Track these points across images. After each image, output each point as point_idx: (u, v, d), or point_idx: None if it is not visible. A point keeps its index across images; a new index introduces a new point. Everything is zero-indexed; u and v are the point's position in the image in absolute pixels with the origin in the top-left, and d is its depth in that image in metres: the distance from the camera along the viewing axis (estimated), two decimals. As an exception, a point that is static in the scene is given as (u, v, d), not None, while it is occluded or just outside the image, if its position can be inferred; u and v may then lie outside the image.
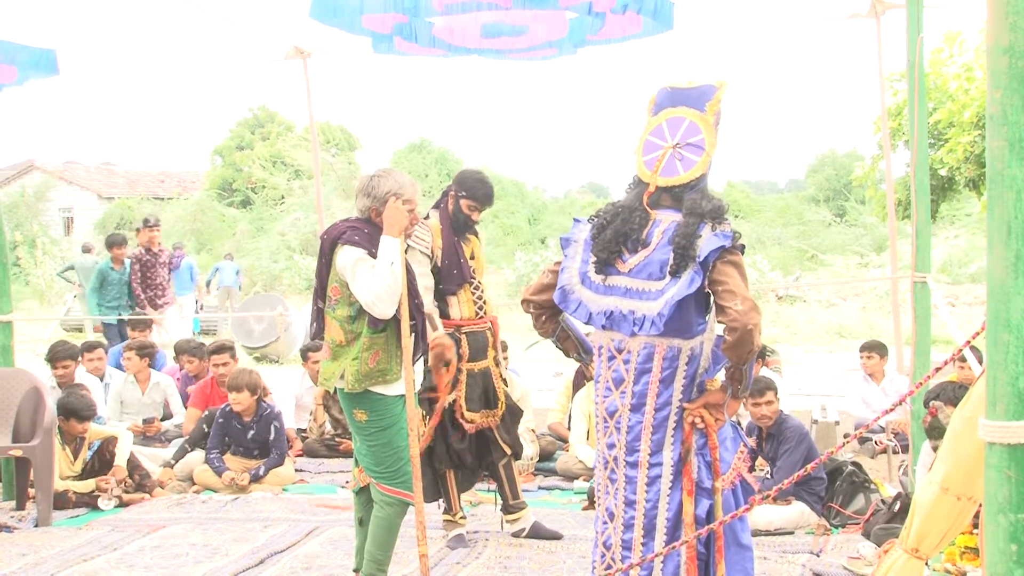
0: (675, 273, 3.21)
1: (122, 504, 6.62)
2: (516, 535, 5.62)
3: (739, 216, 38.28)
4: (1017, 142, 1.99)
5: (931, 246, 6.16)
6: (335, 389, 4.44)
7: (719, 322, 3.26)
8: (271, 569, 5.22)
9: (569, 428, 7.55)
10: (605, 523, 3.44)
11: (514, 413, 5.63)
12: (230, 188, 37.95)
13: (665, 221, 3.31)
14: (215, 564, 5.31)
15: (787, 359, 12.11)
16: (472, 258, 5.45)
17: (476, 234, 5.55)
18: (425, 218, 5.43)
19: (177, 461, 7.29)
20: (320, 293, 4.50)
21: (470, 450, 5.44)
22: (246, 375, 7.26)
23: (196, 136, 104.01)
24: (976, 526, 3.28)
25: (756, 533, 5.50)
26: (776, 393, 6.04)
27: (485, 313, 5.45)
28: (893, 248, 8.47)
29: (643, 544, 3.30)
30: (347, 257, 4.27)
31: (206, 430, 7.39)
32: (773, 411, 5.98)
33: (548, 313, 3.66)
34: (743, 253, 3.33)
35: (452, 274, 5.31)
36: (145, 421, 8.02)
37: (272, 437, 7.30)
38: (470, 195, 5.39)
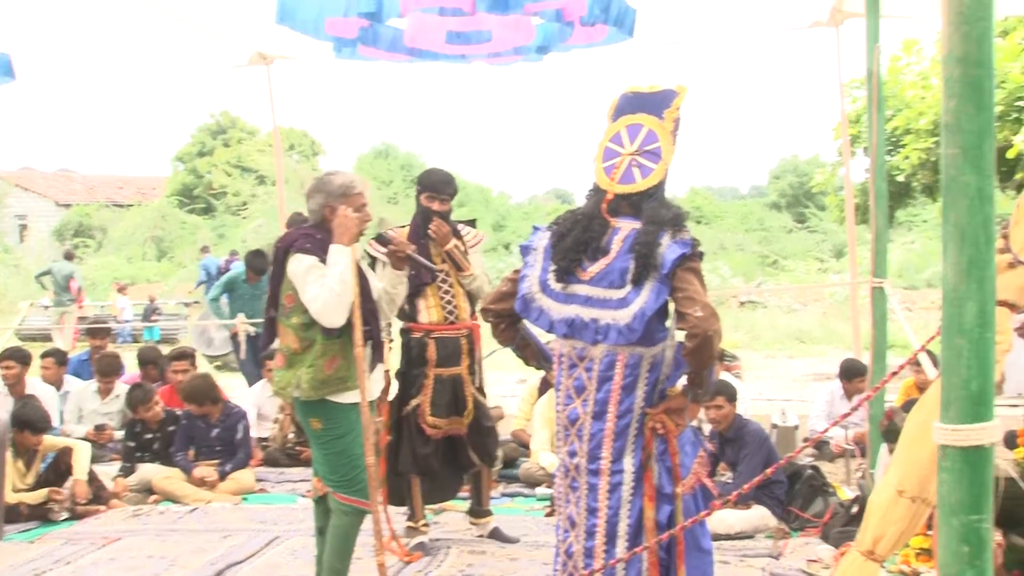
0: (636, 282, 3.20)
1: (76, 516, 6.53)
2: (479, 536, 5.71)
3: (702, 222, 38.56)
4: (971, 150, 2.01)
5: (888, 251, 6.22)
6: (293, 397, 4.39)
7: (679, 328, 3.26)
8: (230, 580, 5.18)
9: (531, 435, 7.55)
10: (567, 531, 3.43)
11: (484, 423, 5.60)
12: (191, 195, 37.66)
13: (624, 229, 3.30)
14: None
15: (748, 364, 12.21)
16: (444, 262, 5.43)
17: (459, 235, 5.51)
18: (402, 226, 5.50)
19: (126, 476, 7.22)
20: (273, 301, 4.44)
21: (436, 456, 5.43)
22: (200, 388, 7.25)
23: (156, 142, 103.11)
24: (930, 528, 3.32)
25: (716, 537, 5.52)
26: (729, 399, 6.08)
27: (457, 319, 5.43)
28: (852, 254, 8.57)
29: (605, 551, 3.30)
30: (298, 265, 4.23)
31: (132, 446, 7.38)
32: (723, 415, 6.03)
33: (507, 322, 3.65)
34: (702, 260, 3.33)
35: (411, 275, 5.30)
36: (98, 427, 7.92)
37: (239, 437, 7.29)
38: (423, 186, 5.44)
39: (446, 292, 5.40)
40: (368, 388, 4.33)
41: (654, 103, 3.36)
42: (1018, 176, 10.13)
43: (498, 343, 3.83)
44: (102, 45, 7.65)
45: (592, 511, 3.34)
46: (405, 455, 5.39)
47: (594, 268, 3.30)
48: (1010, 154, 9.50)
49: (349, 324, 4.26)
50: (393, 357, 5.41)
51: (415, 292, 5.31)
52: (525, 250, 3.50)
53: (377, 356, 4.52)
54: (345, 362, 4.29)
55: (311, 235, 4.33)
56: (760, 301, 22.88)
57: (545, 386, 7.73)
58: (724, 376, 7.28)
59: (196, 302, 22.44)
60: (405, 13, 5.81)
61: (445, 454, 5.50)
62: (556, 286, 3.35)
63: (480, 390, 5.55)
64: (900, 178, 11.66)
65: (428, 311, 5.36)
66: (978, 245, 2.01)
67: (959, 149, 2.02)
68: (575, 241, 3.31)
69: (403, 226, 5.50)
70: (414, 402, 5.36)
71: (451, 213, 5.50)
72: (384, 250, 5.24)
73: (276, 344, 4.53)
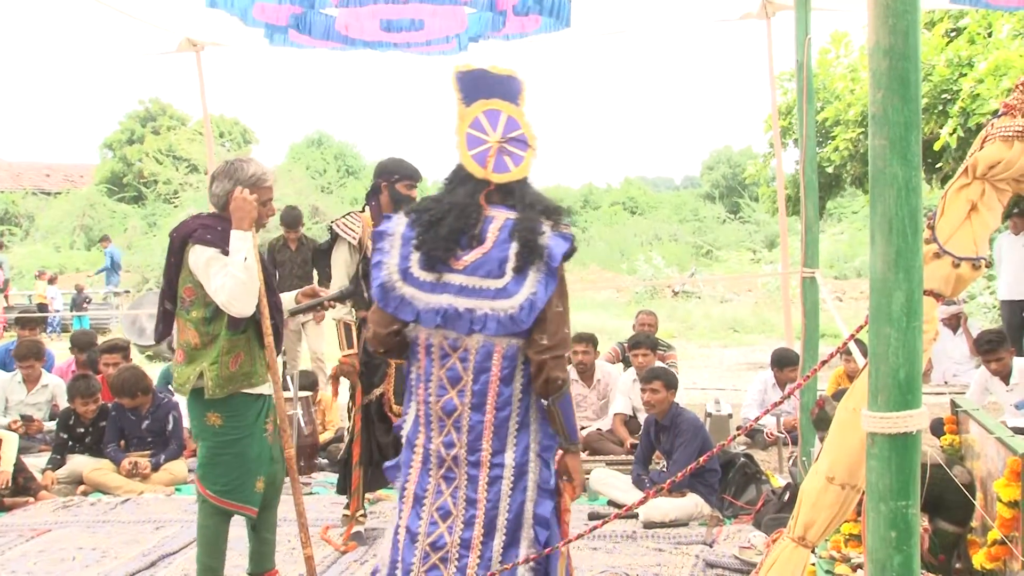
0: (519, 270, 3.14)
1: (4, 508, 6.39)
2: None
3: (636, 212, 38.85)
4: (898, 141, 2.04)
5: (819, 242, 6.31)
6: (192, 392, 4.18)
7: (526, 352, 3.22)
8: (163, 571, 5.11)
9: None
10: (434, 523, 3.31)
11: None
12: (120, 183, 36.96)
13: (499, 218, 3.23)
14: (104, 568, 5.17)
15: (682, 354, 12.31)
16: None
17: None
18: (360, 211, 5.53)
19: (56, 469, 7.09)
20: (168, 294, 4.23)
21: (394, 445, 5.44)
22: (129, 381, 7.10)
23: (83, 129, 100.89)
24: (860, 514, 3.38)
25: (651, 525, 5.60)
26: (667, 385, 6.14)
27: None
28: (784, 244, 8.67)
29: (482, 543, 3.25)
30: (199, 257, 4.05)
31: (64, 437, 7.26)
32: (659, 400, 6.08)
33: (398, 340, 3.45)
34: (573, 255, 3.25)
35: None
36: (23, 417, 7.76)
37: (171, 427, 7.19)
38: (402, 175, 5.44)
39: None
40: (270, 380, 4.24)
41: (502, 88, 3.28)
42: (944, 168, 10.32)
43: (383, 357, 3.63)
44: (26, 28, 7.46)
45: (471, 502, 3.26)
46: (363, 445, 5.38)
47: (469, 257, 3.20)
48: (936, 146, 9.67)
49: (252, 319, 4.13)
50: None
51: None
52: (380, 236, 3.34)
53: (279, 349, 4.36)
54: (249, 358, 4.15)
55: (212, 226, 4.14)
56: (694, 291, 23.14)
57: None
58: (659, 365, 7.37)
59: (127, 291, 22.08)
60: (337, 0, 5.76)
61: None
62: (423, 275, 3.23)
63: None
64: (830, 169, 11.80)
65: None
66: (905, 236, 2.03)
67: (886, 141, 2.05)
68: (451, 230, 3.20)
69: (362, 210, 5.53)
70: (377, 391, 5.38)
71: None
72: (352, 232, 5.28)
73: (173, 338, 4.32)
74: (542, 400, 3.24)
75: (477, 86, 3.28)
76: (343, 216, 5.54)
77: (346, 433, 5.59)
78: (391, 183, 5.41)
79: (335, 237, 5.42)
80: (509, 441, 3.25)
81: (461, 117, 3.27)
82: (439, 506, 3.31)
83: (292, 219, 9.87)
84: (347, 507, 5.56)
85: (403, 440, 3.41)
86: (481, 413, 3.23)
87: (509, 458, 3.24)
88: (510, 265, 3.15)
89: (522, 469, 3.25)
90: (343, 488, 5.60)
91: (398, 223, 3.33)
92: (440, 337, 3.26)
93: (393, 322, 3.30)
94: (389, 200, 5.41)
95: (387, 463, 3.49)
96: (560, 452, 3.36)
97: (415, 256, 3.24)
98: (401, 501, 3.36)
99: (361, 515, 5.56)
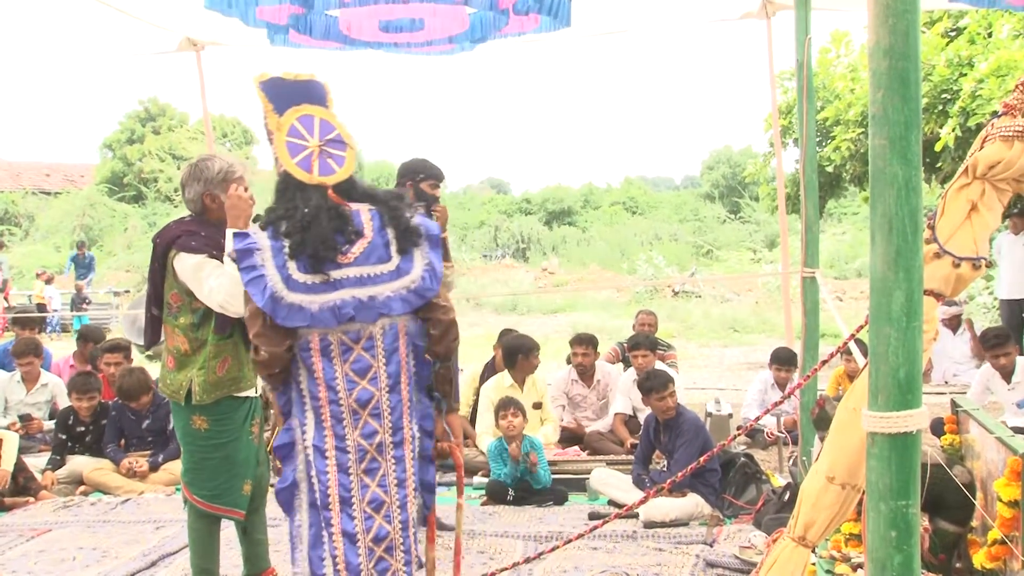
0: (403, 251, 3.34)
1: (3, 508, 6.39)
2: None
3: (636, 212, 38.84)
4: (898, 140, 2.04)
5: (819, 241, 6.31)
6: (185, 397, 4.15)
7: (422, 317, 3.40)
8: (163, 571, 5.12)
9: (472, 422, 7.54)
10: (369, 518, 3.35)
11: (452, 404, 5.70)
12: (121, 182, 36.96)
13: (363, 210, 3.40)
14: (104, 568, 5.17)
15: (682, 354, 12.32)
16: None
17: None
18: None
19: (55, 469, 7.08)
20: (155, 300, 4.19)
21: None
22: (136, 384, 7.08)
23: (83, 128, 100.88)
24: (860, 513, 3.38)
25: (652, 525, 5.59)
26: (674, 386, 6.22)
27: None
28: (784, 244, 8.66)
29: (415, 517, 3.43)
30: (184, 264, 4.02)
31: (63, 438, 7.26)
32: (675, 402, 6.14)
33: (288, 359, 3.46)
34: None
35: None
36: (22, 417, 7.75)
37: (171, 427, 7.18)
38: (427, 175, 5.56)
39: None
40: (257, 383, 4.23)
41: (307, 93, 3.39)
42: (944, 168, 10.31)
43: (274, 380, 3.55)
44: (25, 28, 7.46)
45: (401, 483, 3.38)
46: None
47: (356, 249, 3.32)
48: (937, 146, 9.66)
49: (240, 323, 4.04)
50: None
51: None
52: (247, 253, 3.31)
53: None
54: (236, 362, 4.14)
55: (195, 232, 4.10)
56: (694, 291, 23.14)
57: (489, 372, 7.80)
58: (659, 365, 7.38)
59: (127, 291, 22.07)
60: (338, 1, 5.76)
61: None
62: (307, 278, 3.27)
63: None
64: (830, 169, 11.78)
65: None
66: (905, 235, 2.04)
67: (886, 140, 2.05)
68: (329, 230, 3.28)
69: None
70: None
71: None
72: None
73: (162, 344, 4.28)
74: (438, 363, 3.47)
75: (282, 94, 3.38)
76: None
77: None
78: (416, 182, 5.55)
79: None
80: (415, 413, 3.46)
81: (277, 127, 3.36)
82: (369, 499, 3.37)
83: None
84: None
85: (299, 454, 3.42)
86: (398, 392, 3.38)
87: (416, 428, 3.45)
88: (393, 248, 3.34)
89: (416, 437, 3.46)
90: None
91: (259, 236, 3.36)
92: (339, 334, 3.33)
93: (286, 336, 3.32)
94: (414, 199, 5.45)
95: (279, 485, 3.45)
96: (438, 415, 3.59)
97: (291, 263, 3.29)
98: (328, 509, 3.37)
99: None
